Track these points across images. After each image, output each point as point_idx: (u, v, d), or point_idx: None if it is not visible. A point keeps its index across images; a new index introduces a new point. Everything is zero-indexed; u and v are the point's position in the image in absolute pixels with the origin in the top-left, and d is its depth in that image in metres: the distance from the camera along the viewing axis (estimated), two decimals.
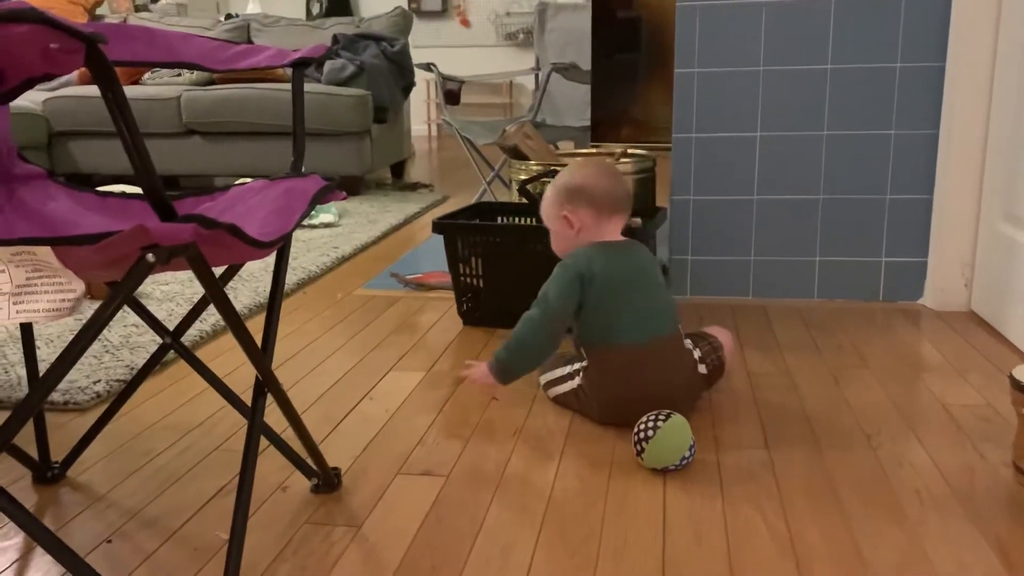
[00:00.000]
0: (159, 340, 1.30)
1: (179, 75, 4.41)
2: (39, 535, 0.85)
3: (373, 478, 1.29)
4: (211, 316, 2.03)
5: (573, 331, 1.51)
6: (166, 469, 1.33)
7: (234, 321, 0.97)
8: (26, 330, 1.25)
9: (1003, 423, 1.44)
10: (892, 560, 1.04)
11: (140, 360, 1.76)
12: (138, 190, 1.18)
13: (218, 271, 1.06)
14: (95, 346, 1.85)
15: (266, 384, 1.07)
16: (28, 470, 1.29)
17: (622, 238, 1.55)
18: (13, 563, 1.08)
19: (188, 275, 2.50)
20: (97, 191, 1.18)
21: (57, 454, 1.32)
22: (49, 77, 0.71)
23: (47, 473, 1.29)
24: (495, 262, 1.99)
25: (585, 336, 1.48)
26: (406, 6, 7.56)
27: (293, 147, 1.19)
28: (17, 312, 0.81)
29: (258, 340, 1.07)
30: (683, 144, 2.20)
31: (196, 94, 4.13)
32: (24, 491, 1.26)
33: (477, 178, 3.94)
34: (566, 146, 3.48)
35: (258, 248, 0.89)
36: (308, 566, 1.06)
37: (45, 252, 0.79)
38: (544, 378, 1.56)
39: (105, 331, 1.96)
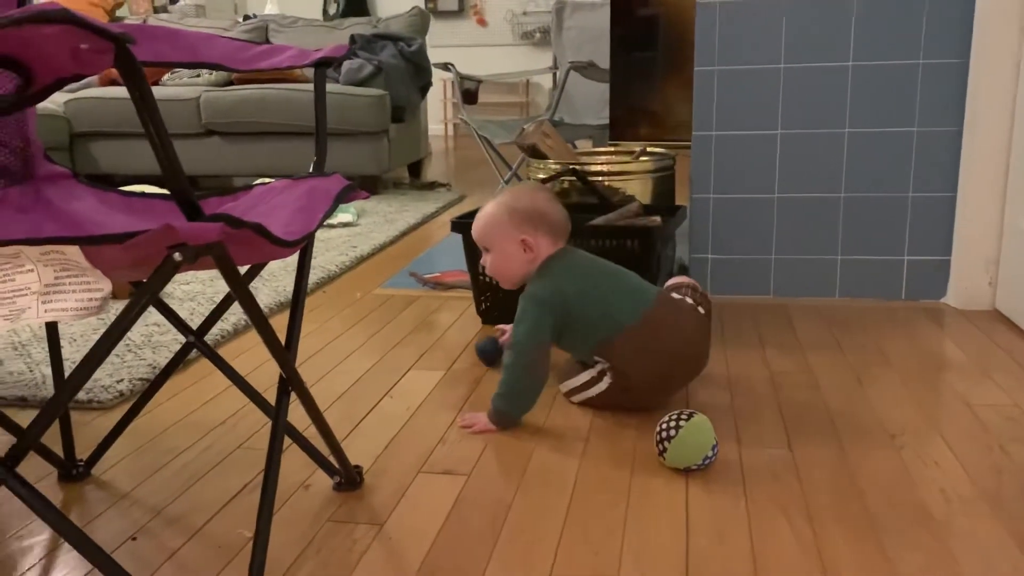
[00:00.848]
0: (181, 339, 1.31)
1: (198, 76, 4.43)
2: (67, 532, 0.85)
3: (395, 476, 1.29)
4: (232, 315, 2.04)
5: (575, 348, 1.53)
6: (189, 467, 1.34)
7: (259, 319, 0.97)
8: (51, 329, 1.26)
9: None
10: (918, 561, 1.04)
11: (162, 359, 1.78)
12: (161, 190, 1.19)
13: (241, 271, 1.07)
14: (118, 345, 1.87)
15: (290, 382, 1.08)
16: (54, 468, 1.31)
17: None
18: (40, 560, 1.09)
19: (209, 275, 2.51)
20: (121, 191, 1.19)
21: (82, 452, 1.33)
22: (78, 77, 0.71)
23: (72, 471, 1.30)
24: None
25: (596, 339, 1.48)
26: (423, 6, 7.57)
27: (316, 146, 1.19)
28: (46, 311, 0.81)
29: (281, 339, 1.07)
30: (703, 142, 2.19)
31: (215, 95, 4.16)
32: (50, 489, 1.27)
33: (494, 177, 3.94)
34: (584, 145, 3.48)
35: (283, 247, 0.89)
36: (331, 564, 1.06)
37: (73, 251, 0.80)
38: (566, 386, 1.55)
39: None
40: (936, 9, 2.03)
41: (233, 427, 1.48)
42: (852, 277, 2.19)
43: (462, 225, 2.01)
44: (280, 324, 1.01)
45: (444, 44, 7.61)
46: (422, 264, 2.70)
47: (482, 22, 7.99)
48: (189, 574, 1.05)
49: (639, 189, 2.25)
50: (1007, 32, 1.95)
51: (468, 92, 4.13)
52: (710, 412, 1.37)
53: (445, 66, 3.87)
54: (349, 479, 1.25)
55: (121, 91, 4.26)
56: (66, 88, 4.44)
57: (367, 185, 4.16)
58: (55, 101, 4.27)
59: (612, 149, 2.70)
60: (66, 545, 1.10)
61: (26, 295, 0.81)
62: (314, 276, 2.50)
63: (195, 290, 2.38)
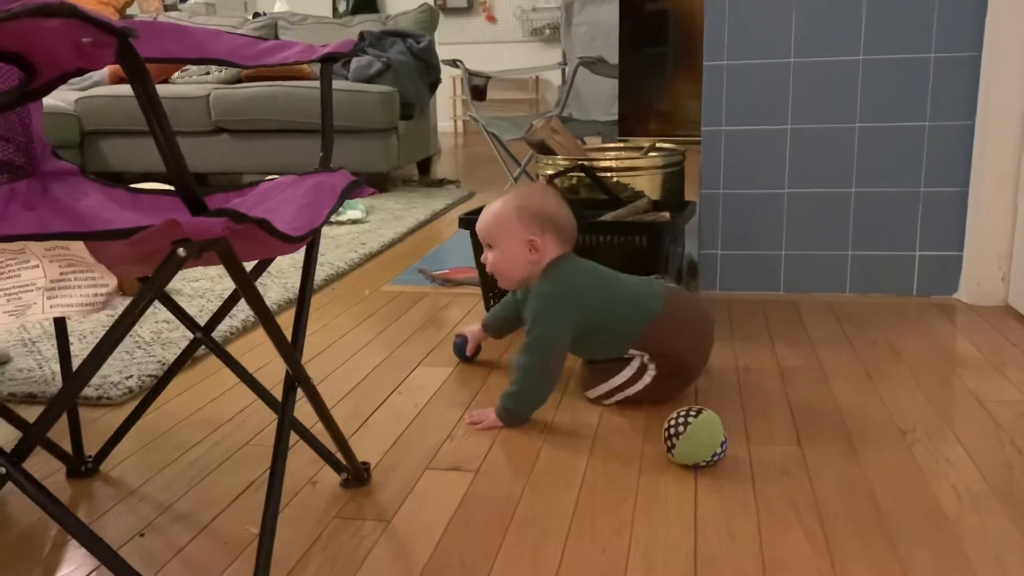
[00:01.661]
0: (189, 336, 1.31)
1: (207, 73, 4.44)
2: (74, 529, 0.85)
3: (402, 473, 1.28)
4: (240, 312, 2.04)
5: (611, 346, 1.51)
6: (197, 463, 1.34)
7: (265, 315, 0.97)
8: (60, 325, 1.26)
9: None
10: (929, 558, 1.02)
11: (171, 356, 1.78)
12: (169, 187, 1.19)
13: (248, 266, 1.07)
14: (127, 342, 1.87)
15: (296, 379, 1.07)
16: (62, 464, 1.31)
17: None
18: (47, 556, 1.09)
19: (218, 271, 2.52)
20: (128, 188, 1.19)
21: (90, 448, 1.33)
22: (81, 72, 0.71)
23: (81, 467, 1.31)
24: None
25: (630, 335, 1.47)
26: (432, 3, 7.57)
27: (322, 142, 1.19)
28: (51, 307, 0.81)
29: (288, 335, 1.07)
30: (712, 137, 2.18)
31: (224, 92, 4.17)
32: (58, 485, 1.28)
33: (503, 174, 3.93)
34: (593, 141, 3.46)
35: (288, 242, 0.89)
36: (338, 560, 1.06)
37: (78, 247, 0.80)
38: (598, 391, 1.52)
39: (136, 327, 1.98)
40: (948, 2, 2.01)
41: (241, 424, 1.48)
42: (863, 273, 2.17)
43: (471, 222, 2.00)
44: (289, 320, 1.00)
45: (453, 41, 7.61)
46: (431, 261, 2.70)
47: (491, 19, 7.98)
48: (196, 570, 1.05)
49: (648, 185, 2.24)
50: (1020, 25, 1.92)
51: (477, 88, 4.12)
52: (719, 408, 1.36)
53: (454, 63, 3.86)
54: (356, 475, 1.25)
55: (131, 89, 4.27)
56: (77, 86, 4.46)
57: (376, 182, 4.16)
58: (66, 100, 4.29)
59: (621, 145, 2.69)
60: (74, 541, 1.10)
61: (32, 291, 0.81)
62: (323, 273, 2.50)
63: (204, 287, 2.39)
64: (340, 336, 1.97)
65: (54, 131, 4.07)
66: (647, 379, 1.48)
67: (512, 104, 7.40)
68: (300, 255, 1.14)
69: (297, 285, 2.36)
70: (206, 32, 1.17)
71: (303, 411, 1.24)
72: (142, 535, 1.13)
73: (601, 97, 3.85)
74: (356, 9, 7.56)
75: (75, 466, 1.30)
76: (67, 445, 1.30)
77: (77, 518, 0.88)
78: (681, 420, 1.26)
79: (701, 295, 1.60)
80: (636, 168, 2.26)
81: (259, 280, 1.17)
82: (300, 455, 1.32)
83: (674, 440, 1.26)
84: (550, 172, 2.27)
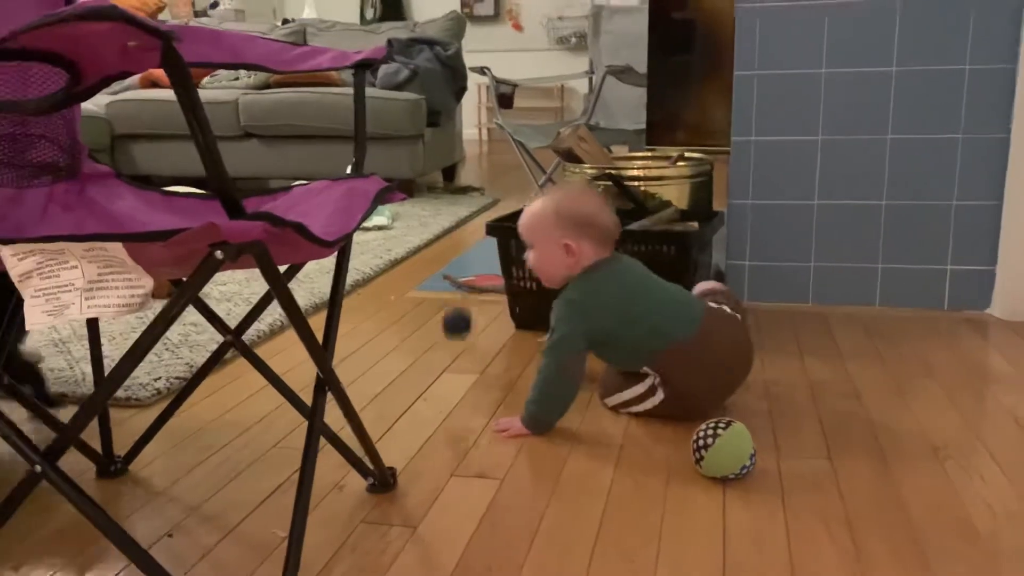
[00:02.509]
0: (218, 339, 1.32)
1: (237, 79, 4.48)
2: (106, 527, 0.86)
3: (428, 479, 1.28)
4: (268, 316, 2.05)
5: (624, 360, 1.51)
6: (225, 465, 1.35)
7: (298, 319, 0.97)
8: (92, 327, 1.28)
9: None
10: None
11: (199, 358, 1.79)
12: (201, 191, 1.20)
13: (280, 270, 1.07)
14: (156, 344, 1.89)
15: (327, 382, 1.08)
16: (92, 464, 1.32)
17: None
18: (78, 555, 1.09)
19: (246, 275, 2.53)
20: (163, 191, 1.20)
21: (120, 449, 1.34)
22: (124, 75, 0.72)
23: (111, 467, 1.32)
24: None
25: (648, 352, 1.46)
26: (459, 10, 7.60)
27: (355, 148, 1.19)
28: (89, 307, 0.82)
29: (318, 340, 1.07)
30: (742, 147, 2.17)
31: (253, 98, 4.20)
32: (88, 485, 1.29)
33: (527, 182, 3.93)
34: (620, 150, 3.46)
35: (322, 247, 0.89)
36: (365, 566, 1.06)
37: (116, 248, 0.80)
38: (612, 400, 1.53)
39: None
40: (983, 13, 1.98)
41: (269, 426, 1.49)
42: (893, 286, 2.15)
43: (497, 229, 2.01)
44: (316, 325, 1.01)
45: (480, 49, 7.62)
46: (456, 268, 2.70)
47: (517, 27, 8.00)
48: (224, 572, 1.05)
49: (675, 194, 2.23)
50: None
51: (504, 96, 4.13)
52: (748, 421, 1.35)
53: (482, 70, 3.87)
54: (383, 481, 1.25)
55: (161, 93, 4.33)
56: (108, 90, 4.52)
57: (402, 189, 4.16)
58: (97, 103, 4.34)
59: (648, 154, 2.69)
60: (103, 540, 1.11)
61: (70, 291, 0.82)
62: (348, 278, 2.51)
63: (232, 291, 2.40)
64: (365, 342, 1.98)
65: (85, 135, 4.10)
66: (656, 400, 1.47)
67: (538, 112, 7.41)
68: (327, 260, 1.14)
69: (324, 290, 2.37)
70: (241, 37, 1.18)
71: (330, 416, 1.24)
72: (170, 536, 1.14)
73: (628, 106, 3.84)
74: (383, 16, 7.61)
75: (105, 466, 1.31)
76: (97, 445, 1.31)
77: (109, 517, 0.89)
78: (710, 432, 1.25)
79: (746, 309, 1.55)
80: (664, 177, 2.25)
81: (288, 284, 1.17)
82: (327, 459, 1.32)
83: (702, 452, 1.25)
84: (577, 180, 2.27)
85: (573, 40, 7.79)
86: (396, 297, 2.39)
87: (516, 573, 1.03)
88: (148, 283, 0.82)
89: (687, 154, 2.43)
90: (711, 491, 1.23)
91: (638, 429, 1.45)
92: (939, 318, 2.07)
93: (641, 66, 3.24)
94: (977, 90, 2.02)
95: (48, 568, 1.07)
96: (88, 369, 1.73)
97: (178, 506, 1.22)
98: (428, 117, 4.20)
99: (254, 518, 1.18)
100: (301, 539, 0.99)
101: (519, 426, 1.44)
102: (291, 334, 1.96)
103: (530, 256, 1.56)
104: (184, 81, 0.68)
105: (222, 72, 4.62)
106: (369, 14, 7.94)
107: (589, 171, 2.27)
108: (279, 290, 0.93)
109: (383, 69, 4.24)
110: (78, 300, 0.82)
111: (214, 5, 6.90)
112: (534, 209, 1.54)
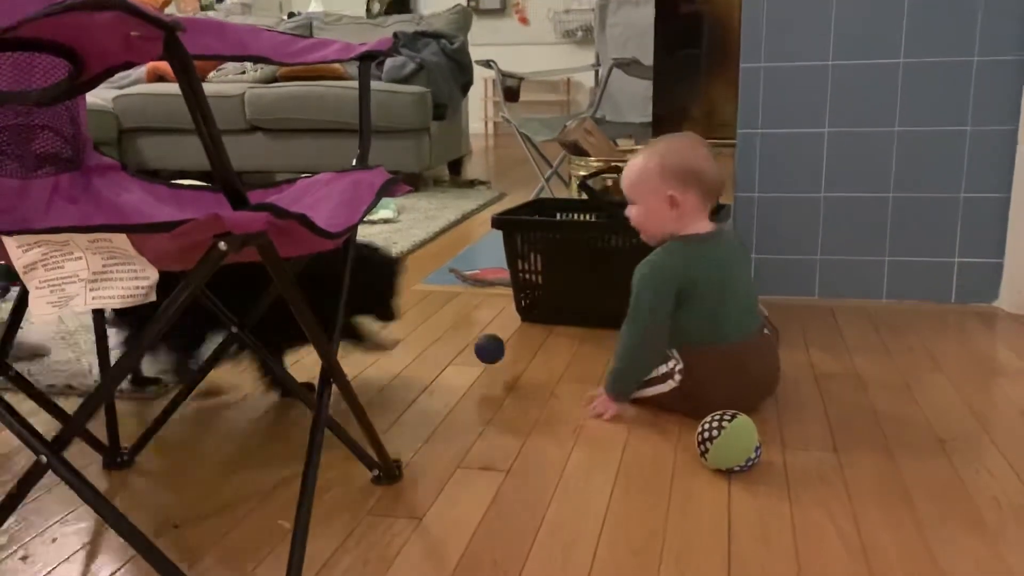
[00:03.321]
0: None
1: (243, 72, 4.49)
2: (112, 518, 0.86)
3: (433, 471, 1.28)
4: None
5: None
6: (231, 457, 1.35)
7: (302, 310, 0.97)
8: (98, 318, 1.28)
9: None
10: (969, 569, 1.00)
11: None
12: (207, 184, 1.20)
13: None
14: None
15: (332, 374, 1.08)
16: (98, 455, 1.32)
17: (711, 226, 1.49)
18: (84, 545, 1.10)
19: None
20: (169, 183, 1.20)
21: (126, 440, 1.34)
22: (128, 65, 0.72)
23: (116, 458, 1.32)
24: (555, 259, 1.98)
25: (686, 338, 1.44)
26: (465, 4, 7.59)
27: (359, 140, 1.19)
28: (93, 298, 0.82)
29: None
30: (748, 140, 2.16)
31: (259, 91, 4.20)
32: (94, 476, 1.29)
33: (533, 175, 3.93)
34: (626, 142, 3.45)
35: (326, 239, 0.89)
36: (370, 558, 1.06)
37: (121, 240, 0.80)
38: None
39: None
40: (991, 5, 1.97)
41: (275, 418, 1.49)
42: (900, 279, 2.14)
43: (504, 222, 2.01)
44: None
45: (486, 42, 7.61)
46: (462, 261, 2.70)
47: (524, 20, 7.98)
48: (230, 563, 1.05)
49: None
50: None
51: (510, 90, 4.13)
52: (753, 413, 1.34)
53: (488, 63, 3.86)
54: (388, 473, 1.25)
55: (168, 87, 4.33)
56: (115, 84, 4.52)
57: (408, 182, 4.16)
58: (104, 97, 4.35)
59: None
60: (109, 531, 1.12)
61: (74, 282, 0.82)
62: None
63: None
64: None
65: (92, 128, 4.10)
66: (667, 387, 1.45)
67: (544, 105, 7.39)
68: None
69: None
70: (246, 29, 1.18)
71: (335, 408, 1.25)
72: (176, 527, 1.14)
73: (635, 99, 3.83)
74: (390, 9, 7.60)
75: (111, 457, 1.32)
76: (103, 436, 1.32)
77: (115, 508, 0.89)
78: (715, 424, 1.25)
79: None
80: None
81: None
82: (332, 451, 1.32)
83: (708, 444, 1.25)
84: (583, 173, 2.27)
85: (579, 33, 7.77)
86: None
87: (521, 565, 1.03)
88: (152, 274, 0.82)
89: None
90: (716, 483, 1.22)
91: (644, 421, 1.45)
92: (946, 311, 2.06)
93: (647, 59, 3.24)
94: (985, 82, 2.01)
95: (55, 558, 1.07)
96: (95, 361, 1.73)
97: (184, 497, 1.22)
98: (434, 110, 4.19)
99: (260, 510, 1.18)
100: (306, 530, 0.99)
101: (607, 400, 1.45)
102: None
103: (632, 212, 1.52)
104: (187, 70, 0.68)
105: (229, 66, 4.62)
106: (375, 7, 7.93)
107: (595, 164, 2.26)
108: (283, 282, 0.93)
109: (389, 62, 4.24)
110: (83, 291, 0.82)
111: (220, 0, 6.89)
112: (637, 163, 1.49)
